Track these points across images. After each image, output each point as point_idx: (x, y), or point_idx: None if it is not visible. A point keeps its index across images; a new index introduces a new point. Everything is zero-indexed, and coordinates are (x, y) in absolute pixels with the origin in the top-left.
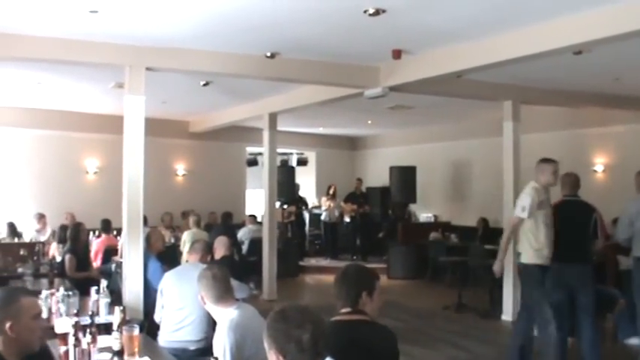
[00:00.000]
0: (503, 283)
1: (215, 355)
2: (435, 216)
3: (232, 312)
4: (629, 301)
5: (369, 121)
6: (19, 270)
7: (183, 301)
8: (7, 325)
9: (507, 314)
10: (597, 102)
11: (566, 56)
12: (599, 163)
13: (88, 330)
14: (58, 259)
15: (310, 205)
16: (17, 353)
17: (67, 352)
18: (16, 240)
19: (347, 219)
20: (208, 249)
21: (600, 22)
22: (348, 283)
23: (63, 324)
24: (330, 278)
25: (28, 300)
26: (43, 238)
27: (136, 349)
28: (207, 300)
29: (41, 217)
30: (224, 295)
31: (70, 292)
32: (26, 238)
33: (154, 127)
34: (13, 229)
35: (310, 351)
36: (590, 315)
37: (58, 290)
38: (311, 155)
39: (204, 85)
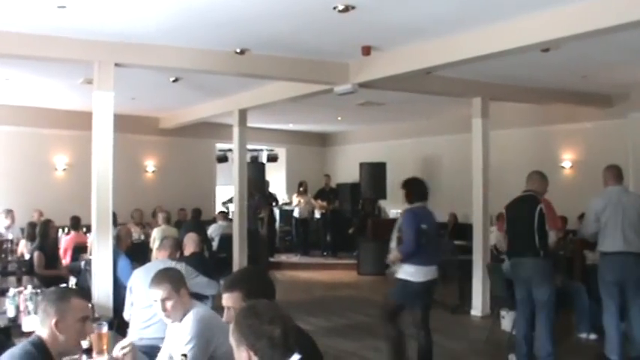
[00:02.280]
0: (472, 279)
1: (182, 351)
2: None
3: (196, 308)
4: (594, 296)
5: (339, 118)
6: None
7: None
8: (53, 320)
9: (477, 309)
10: (565, 99)
11: (534, 53)
12: (567, 160)
13: None
14: (27, 256)
15: (281, 202)
16: (58, 351)
17: None
18: None
19: (317, 215)
20: (177, 246)
21: (568, 19)
22: None
23: (31, 322)
24: (301, 274)
25: (78, 301)
26: (11, 235)
27: (105, 347)
28: (186, 291)
29: (9, 213)
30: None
31: (39, 290)
32: None
33: (124, 124)
34: None
35: (282, 346)
36: (544, 309)
37: (26, 288)
38: (281, 151)
39: (174, 81)
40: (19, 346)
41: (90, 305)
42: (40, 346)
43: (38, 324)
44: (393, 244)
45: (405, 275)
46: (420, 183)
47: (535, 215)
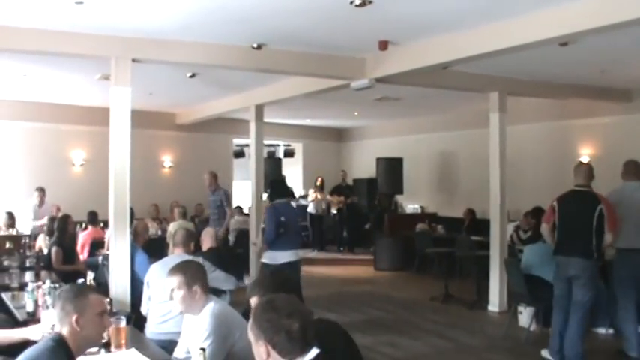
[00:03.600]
0: (489, 274)
1: (201, 345)
2: (422, 207)
3: (212, 303)
4: (609, 292)
5: (356, 113)
6: (5, 263)
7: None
8: (74, 317)
9: (494, 305)
10: (583, 93)
11: (552, 48)
12: (585, 155)
13: None
14: (45, 251)
15: (297, 197)
16: (79, 346)
17: None
18: (10, 231)
19: (334, 211)
20: (191, 237)
21: (586, 13)
22: None
23: (50, 316)
24: (317, 270)
25: (95, 297)
26: (44, 214)
27: (123, 341)
28: (203, 289)
29: (41, 191)
30: (207, 284)
31: (57, 285)
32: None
33: (141, 119)
34: (12, 219)
35: (300, 340)
36: (582, 310)
37: (44, 283)
38: (298, 147)
39: (191, 76)
40: (41, 343)
41: (108, 300)
42: (61, 342)
43: (57, 322)
44: (258, 236)
45: (266, 259)
46: (280, 183)
47: (595, 215)
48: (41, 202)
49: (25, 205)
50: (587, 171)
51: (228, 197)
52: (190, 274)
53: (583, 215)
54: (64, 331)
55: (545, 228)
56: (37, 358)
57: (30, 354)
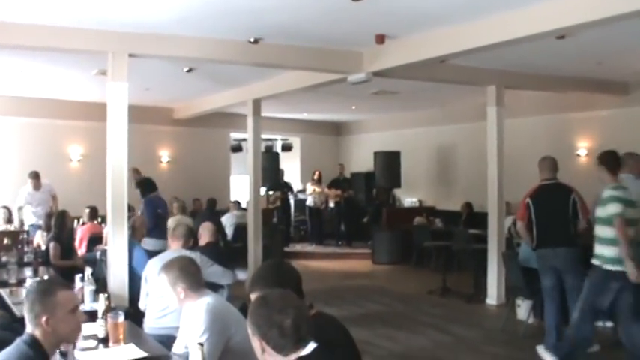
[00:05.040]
0: (487, 268)
1: (198, 340)
2: (420, 201)
3: (207, 298)
4: None
5: (353, 107)
6: (3, 259)
7: None
8: (44, 318)
9: (492, 298)
10: (581, 86)
11: (549, 41)
12: (582, 148)
13: None
14: (43, 247)
15: (295, 191)
16: (53, 346)
17: None
18: (8, 226)
19: (332, 204)
20: (190, 234)
21: (583, 6)
22: None
23: None
24: (315, 264)
25: (64, 293)
26: (43, 197)
27: (121, 336)
28: (189, 289)
29: (34, 177)
30: (201, 280)
31: None
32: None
33: (138, 114)
34: (9, 214)
35: (292, 336)
36: (577, 294)
37: (42, 278)
38: (295, 141)
39: (188, 71)
40: (13, 346)
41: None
42: (34, 344)
43: (28, 323)
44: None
45: (147, 246)
46: (148, 181)
47: (569, 204)
48: (36, 187)
49: (18, 193)
50: (553, 164)
51: None
52: (173, 275)
53: (559, 206)
54: (37, 332)
55: (521, 226)
56: None
57: (2, 359)
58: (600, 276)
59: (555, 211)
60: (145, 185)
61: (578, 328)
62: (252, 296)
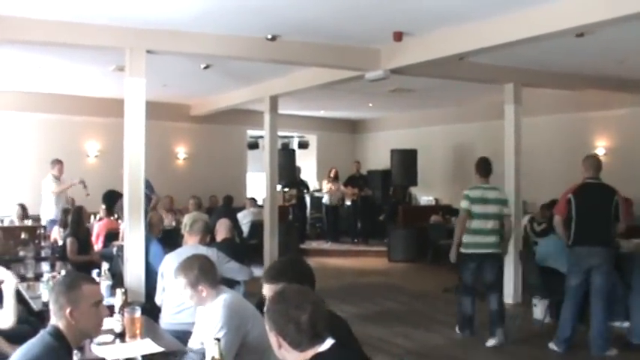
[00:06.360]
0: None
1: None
2: (436, 199)
3: (224, 295)
4: (625, 285)
5: (370, 104)
6: (21, 253)
7: None
8: (67, 310)
9: (508, 296)
10: (600, 85)
11: (568, 38)
12: (601, 146)
13: None
14: (60, 242)
15: (311, 189)
16: (76, 339)
17: None
18: (25, 222)
19: (348, 202)
20: (207, 230)
21: (603, 3)
22: None
23: None
24: (331, 261)
25: (88, 287)
26: (64, 185)
27: (138, 331)
28: (210, 287)
29: (57, 163)
30: (217, 277)
31: None
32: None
33: (155, 111)
34: (24, 211)
35: (309, 332)
36: (605, 297)
37: (59, 273)
38: (312, 138)
39: (205, 67)
40: (37, 337)
41: (123, 290)
42: (57, 335)
43: (52, 315)
44: None
45: None
46: (113, 193)
47: (612, 205)
48: (60, 172)
49: (43, 184)
50: (598, 163)
51: None
52: (193, 275)
53: (602, 206)
54: (60, 324)
55: (559, 220)
56: (37, 356)
57: (29, 351)
58: None
59: (597, 210)
60: (111, 198)
61: None
62: (267, 287)
